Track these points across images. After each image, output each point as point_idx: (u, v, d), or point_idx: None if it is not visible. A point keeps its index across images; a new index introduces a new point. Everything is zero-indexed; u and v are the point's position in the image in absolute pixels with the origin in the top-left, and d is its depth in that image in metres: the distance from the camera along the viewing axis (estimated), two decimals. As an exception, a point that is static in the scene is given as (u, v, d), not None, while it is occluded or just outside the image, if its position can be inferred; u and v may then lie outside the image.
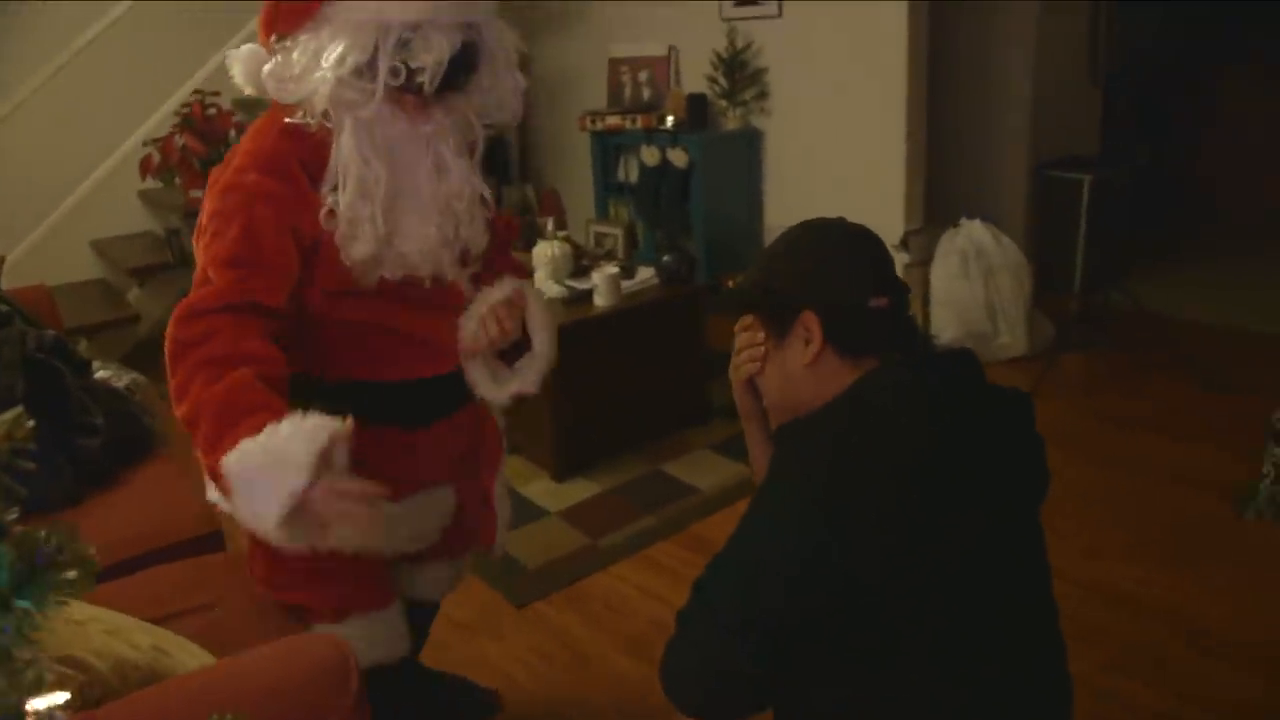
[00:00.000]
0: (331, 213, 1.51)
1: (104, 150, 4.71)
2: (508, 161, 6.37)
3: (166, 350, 1.42)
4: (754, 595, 1.20)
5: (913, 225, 4.57)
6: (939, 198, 4.86)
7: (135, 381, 2.79)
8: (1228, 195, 6.35)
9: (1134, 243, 4.97)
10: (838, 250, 1.34)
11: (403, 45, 1.46)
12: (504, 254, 1.91)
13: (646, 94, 5.61)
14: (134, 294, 4.94)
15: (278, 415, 1.31)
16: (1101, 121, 5.47)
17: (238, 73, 1.59)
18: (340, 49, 1.45)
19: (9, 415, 0.62)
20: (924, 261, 4.37)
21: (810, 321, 1.30)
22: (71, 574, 0.64)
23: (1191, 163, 6.51)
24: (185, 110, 4.76)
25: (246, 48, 1.60)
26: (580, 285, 3.61)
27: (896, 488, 1.18)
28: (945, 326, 4.29)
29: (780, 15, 4.89)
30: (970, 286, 4.27)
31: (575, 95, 6.10)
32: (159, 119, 4.71)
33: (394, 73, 1.47)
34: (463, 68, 1.53)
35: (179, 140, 4.71)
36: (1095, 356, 4.36)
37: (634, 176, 5.48)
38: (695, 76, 5.34)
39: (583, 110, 5.68)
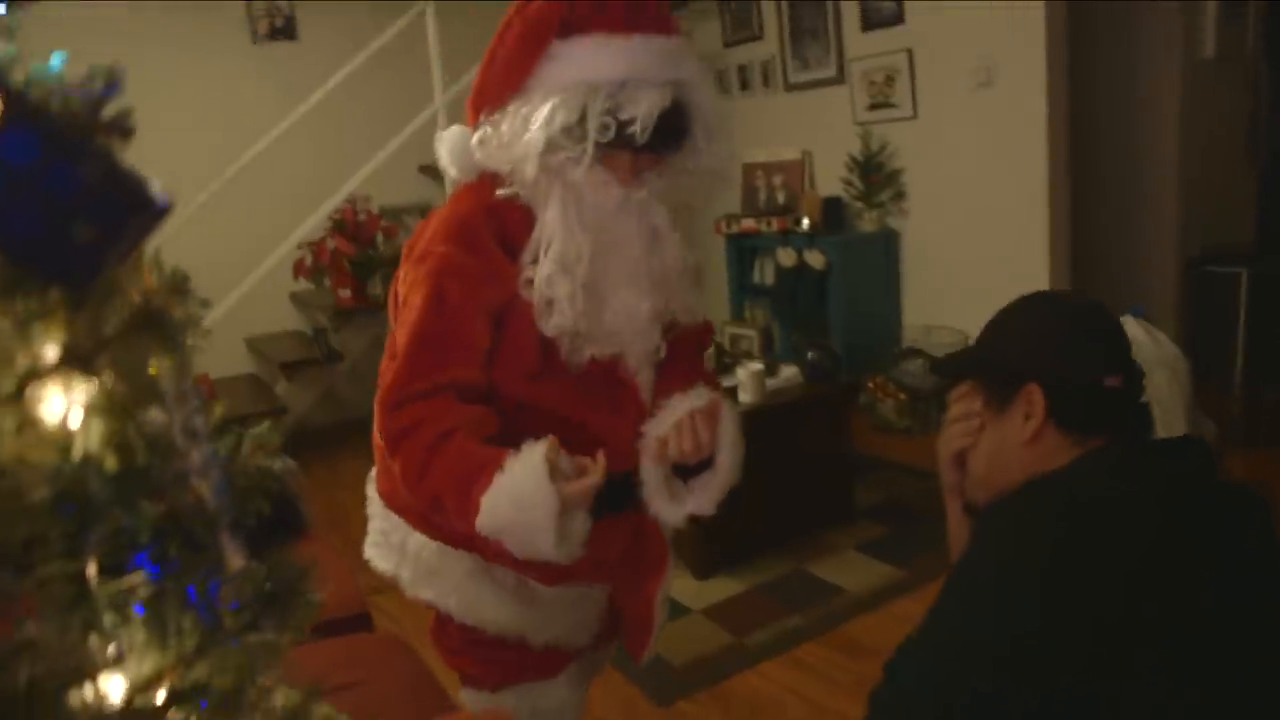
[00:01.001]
0: (530, 282, 1.48)
1: (259, 254, 4.94)
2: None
3: (382, 441, 1.48)
4: (953, 679, 1.11)
5: (1060, 323, 4.42)
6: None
7: (286, 467, 2.85)
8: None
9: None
10: (1072, 323, 1.27)
11: (610, 100, 1.43)
12: (696, 361, 1.80)
13: (781, 197, 5.64)
14: (282, 387, 5.11)
15: (500, 464, 1.38)
16: (1256, 207, 5.26)
17: (443, 154, 1.58)
18: (548, 110, 1.42)
19: (263, 426, 0.61)
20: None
21: (1034, 394, 1.23)
22: (316, 597, 0.62)
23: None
24: (337, 215, 4.97)
25: (454, 129, 1.59)
26: (724, 383, 3.58)
27: (1118, 580, 1.08)
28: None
29: (915, 116, 4.88)
30: (1125, 386, 4.08)
31: (710, 200, 6.16)
32: (312, 224, 4.92)
33: (603, 128, 1.43)
34: (674, 128, 1.48)
35: (330, 243, 4.92)
36: (1265, 456, 4.11)
37: (769, 279, 5.48)
38: (829, 179, 5.36)
39: (718, 215, 5.74)
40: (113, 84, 0.41)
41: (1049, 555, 1.11)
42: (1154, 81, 4.84)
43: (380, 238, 5.05)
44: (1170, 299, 4.89)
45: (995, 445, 1.28)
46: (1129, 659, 1.06)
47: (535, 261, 1.48)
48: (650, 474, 1.62)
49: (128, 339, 0.38)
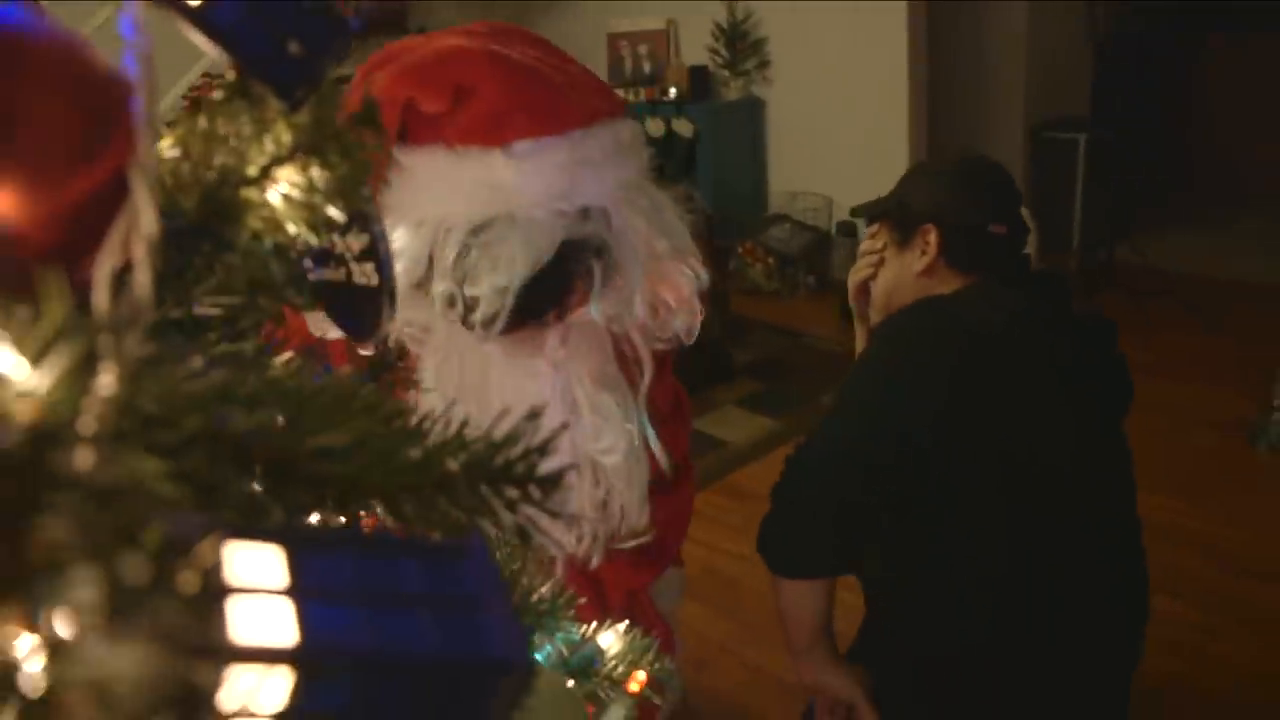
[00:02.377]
0: None
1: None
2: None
3: None
4: (838, 455, 1.32)
5: (917, 187, 4.66)
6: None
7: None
8: (1226, 153, 6.42)
9: (1134, 200, 5.08)
10: (969, 177, 1.47)
11: (464, 256, 0.99)
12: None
13: (647, 67, 5.67)
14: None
15: None
16: (1093, 81, 5.58)
17: None
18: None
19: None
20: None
21: (930, 234, 1.42)
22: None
23: (1189, 122, 6.58)
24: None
25: None
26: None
27: (958, 362, 1.30)
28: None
29: (779, -15, 4.97)
30: (976, 245, 4.35)
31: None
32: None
33: (449, 300, 1.01)
34: (581, 270, 1.06)
35: (190, 121, 4.76)
36: (1099, 308, 4.48)
37: (638, 149, 5.54)
38: (695, 48, 5.41)
39: (584, 85, 5.72)
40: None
41: (906, 343, 1.35)
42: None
43: (242, 114, 4.91)
44: (1018, 164, 5.18)
45: (894, 276, 1.49)
46: (963, 428, 1.29)
47: None
48: None
49: (354, 130, 0.46)
